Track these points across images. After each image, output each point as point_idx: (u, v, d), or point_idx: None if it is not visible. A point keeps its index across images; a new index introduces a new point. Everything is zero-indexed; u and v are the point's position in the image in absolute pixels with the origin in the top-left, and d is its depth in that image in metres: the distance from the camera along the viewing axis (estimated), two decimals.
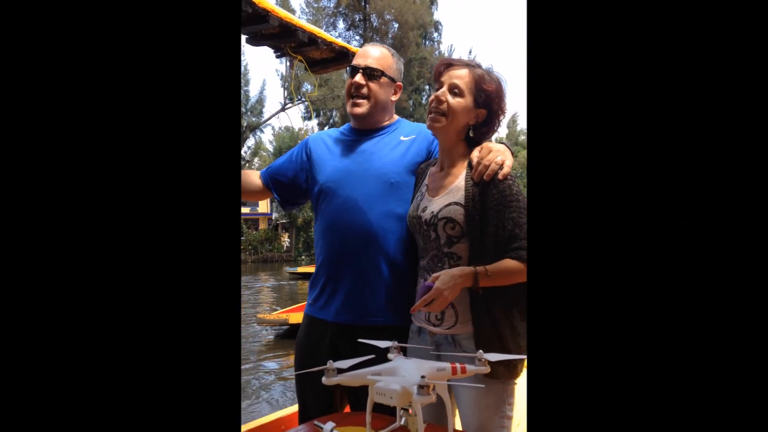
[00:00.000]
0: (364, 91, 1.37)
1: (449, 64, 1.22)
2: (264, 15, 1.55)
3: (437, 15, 24.88)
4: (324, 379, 0.81)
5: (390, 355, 0.93)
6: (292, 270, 16.23)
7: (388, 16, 23.53)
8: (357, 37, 23.93)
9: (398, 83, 1.44)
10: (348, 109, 1.42)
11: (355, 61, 1.41)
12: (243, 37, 1.72)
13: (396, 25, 23.53)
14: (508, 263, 1.10)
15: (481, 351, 0.91)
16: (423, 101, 23.54)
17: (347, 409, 1.40)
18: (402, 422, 0.90)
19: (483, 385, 1.09)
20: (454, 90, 1.19)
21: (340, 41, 1.98)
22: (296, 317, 6.58)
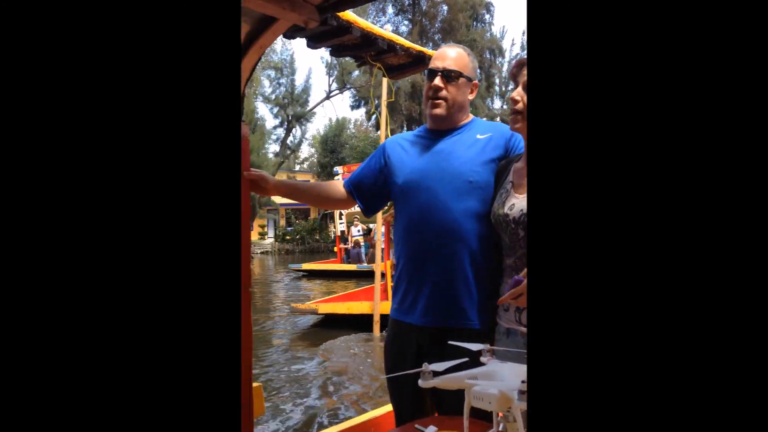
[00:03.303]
0: (443, 93, 1.37)
1: (523, 64, 1.22)
2: (347, 27, 1.57)
3: None
4: (420, 382, 0.79)
5: (483, 359, 0.89)
6: (295, 267, 13.96)
7: None
8: (406, 22, 23.71)
9: (474, 82, 1.44)
10: (427, 111, 1.43)
11: (433, 64, 1.43)
12: (326, 50, 1.77)
13: (445, 8, 23.06)
14: None
15: None
16: None
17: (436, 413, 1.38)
18: (500, 428, 0.86)
19: None
20: None
21: (416, 46, 1.97)
22: (325, 308, 7.07)
